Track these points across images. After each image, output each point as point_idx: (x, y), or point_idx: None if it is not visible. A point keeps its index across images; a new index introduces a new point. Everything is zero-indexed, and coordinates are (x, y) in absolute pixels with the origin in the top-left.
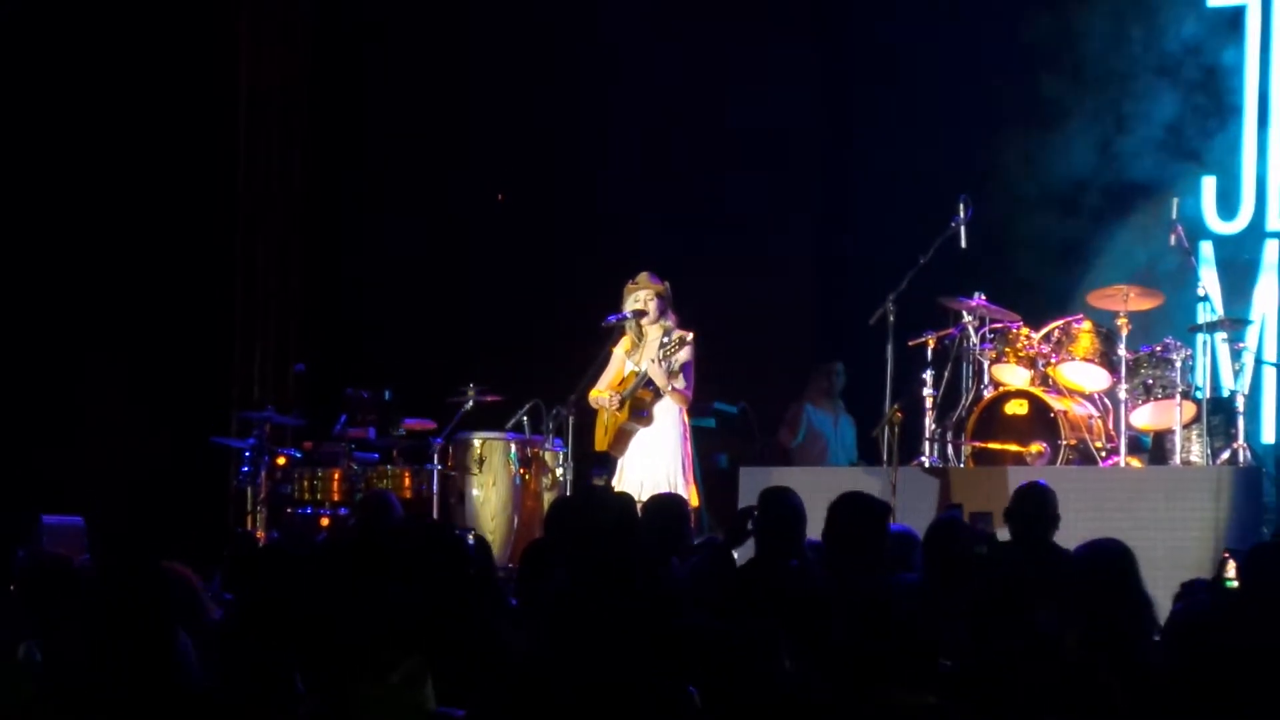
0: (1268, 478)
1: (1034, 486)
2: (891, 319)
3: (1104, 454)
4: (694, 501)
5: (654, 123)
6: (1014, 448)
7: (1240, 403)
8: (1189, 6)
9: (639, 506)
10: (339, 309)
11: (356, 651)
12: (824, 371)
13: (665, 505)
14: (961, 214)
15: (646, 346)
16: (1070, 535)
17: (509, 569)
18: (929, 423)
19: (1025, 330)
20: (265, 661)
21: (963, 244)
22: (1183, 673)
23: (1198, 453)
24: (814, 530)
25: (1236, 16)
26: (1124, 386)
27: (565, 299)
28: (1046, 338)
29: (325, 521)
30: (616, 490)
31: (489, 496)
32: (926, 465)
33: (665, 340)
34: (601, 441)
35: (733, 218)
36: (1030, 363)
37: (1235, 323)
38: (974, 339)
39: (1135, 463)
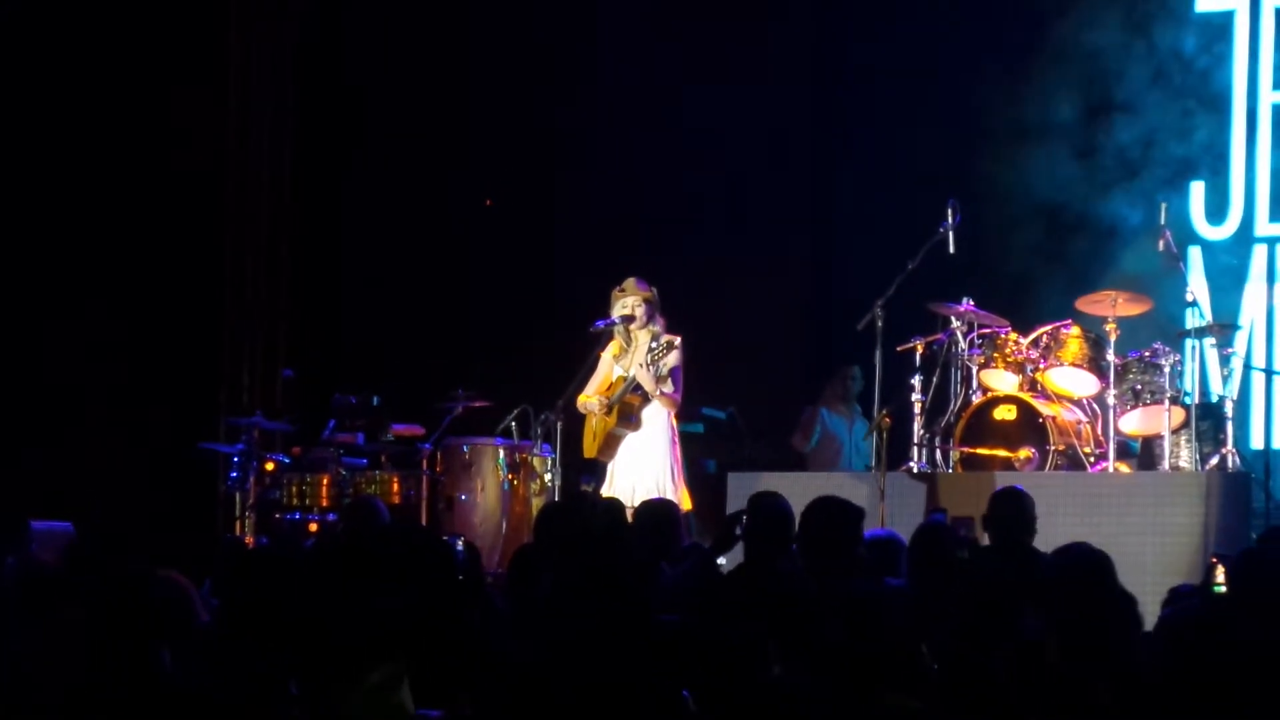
0: (1256, 483)
1: (1010, 491)
2: (880, 324)
3: (1092, 459)
4: (686, 505)
5: (650, 127)
6: (1002, 453)
7: (1229, 408)
8: (1177, 11)
9: (630, 512)
10: (327, 314)
11: (338, 655)
12: (840, 375)
13: (657, 510)
14: (950, 219)
15: (635, 352)
16: (1058, 541)
17: (498, 574)
18: (917, 428)
19: (1014, 335)
20: (258, 664)
21: (951, 249)
22: (1171, 678)
23: (1186, 458)
24: None
25: (1225, 21)
26: (1113, 392)
27: (554, 304)
28: (1035, 343)
29: (314, 527)
30: (605, 496)
31: (477, 502)
32: (915, 470)
33: (654, 345)
34: (590, 447)
35: (721, 222)
36: (1019, 368)
37: (1224, 328)
38: (962, 344)
39: (1124, 468)
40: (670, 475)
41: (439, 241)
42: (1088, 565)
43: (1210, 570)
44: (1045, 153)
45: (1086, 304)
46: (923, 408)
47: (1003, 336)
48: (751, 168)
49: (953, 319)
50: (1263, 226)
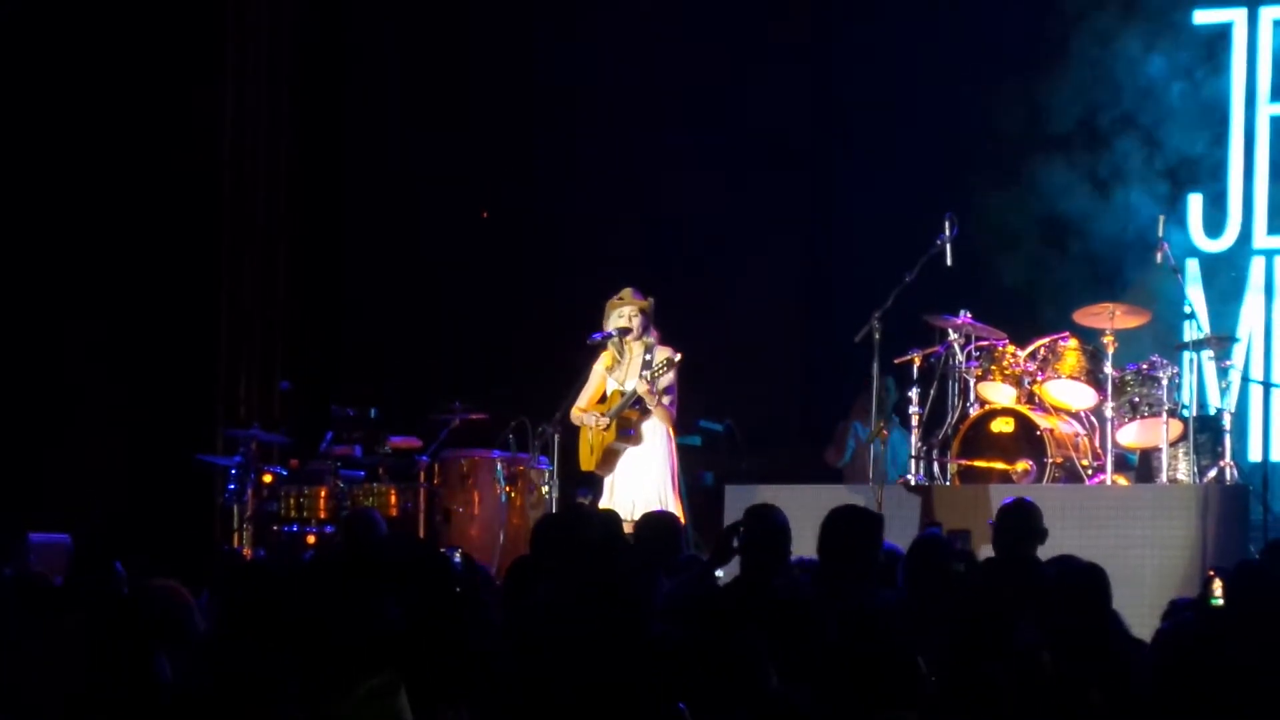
0: (1254, 496)
1: (1019, 503)
2: (877, 337)
3: (1090, 472)
4: (683, 519)
5: (646, 135)
6: (1000, 465)
7: (1227, 420)
8: (1175, 24)
9: (631, 525)
10: (325, 327)
11: (336, 663)
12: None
13: (659, 523)
14: (947, 231)
15: (629, 364)
16: (1056, 553)
17: (494, 586)
18: (915, 440)
19: (1011, 348)
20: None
21: (949, 261)
22: (1169, 691)
23: (1184, 471)
24: (800, 547)
25: (1223, 34)
26: (1110, 404)
27: (552, 316)
28: (1033, 355)
29: (311, 539)
30: (604, 508)
31: (475, 514)
32: (912, 483)
33: (648, 357)
34: (587, 461)
35: (718, 234)
36: (1016, 380)
37: (1222, 340)
38: (960, 357)
39: (1122, 480)
40: (670, 488)
41: (436, 255)
42: (1082, 577)
43: (1208, 583)
44: (1042, 164)
45: (1084, 316)
46: (920, 420)
47: (1000, 349)
48: (748, 179)
49: (950, 331)
50: (1261, 239)
